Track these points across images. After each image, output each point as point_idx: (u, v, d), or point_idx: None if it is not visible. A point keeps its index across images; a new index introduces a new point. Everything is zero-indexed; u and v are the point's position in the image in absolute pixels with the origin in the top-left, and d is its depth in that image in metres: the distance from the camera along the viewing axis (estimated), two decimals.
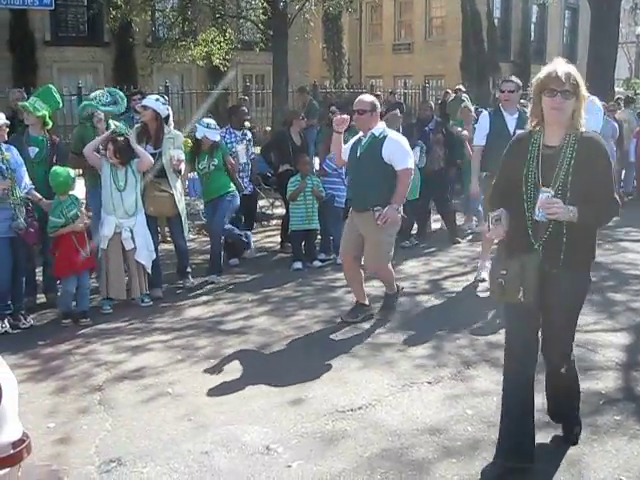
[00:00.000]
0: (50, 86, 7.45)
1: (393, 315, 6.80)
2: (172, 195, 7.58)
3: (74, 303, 6.91)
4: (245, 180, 9.11)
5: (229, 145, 8.90)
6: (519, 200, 3.76)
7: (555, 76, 3.59)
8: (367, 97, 6.65)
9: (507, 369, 3.96)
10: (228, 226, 8.35)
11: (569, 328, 3.93)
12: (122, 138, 7.17)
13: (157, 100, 7.68)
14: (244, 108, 9.79)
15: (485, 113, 8.13)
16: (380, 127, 6.48)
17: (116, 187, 7.08)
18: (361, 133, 6.57)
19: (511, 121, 7.51)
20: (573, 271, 3.75)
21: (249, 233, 8.91)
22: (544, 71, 3.67)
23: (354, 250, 6.62)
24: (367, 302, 6.85)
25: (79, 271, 6.81)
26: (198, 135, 8.26)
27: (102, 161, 7.13)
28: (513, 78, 7.82)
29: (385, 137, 6.39)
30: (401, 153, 6.41)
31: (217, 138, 8.21)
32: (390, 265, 6.73)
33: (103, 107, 7.51)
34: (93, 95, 7.78)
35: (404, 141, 6.54)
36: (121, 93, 7.97)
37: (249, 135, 9.51)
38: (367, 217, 6.38)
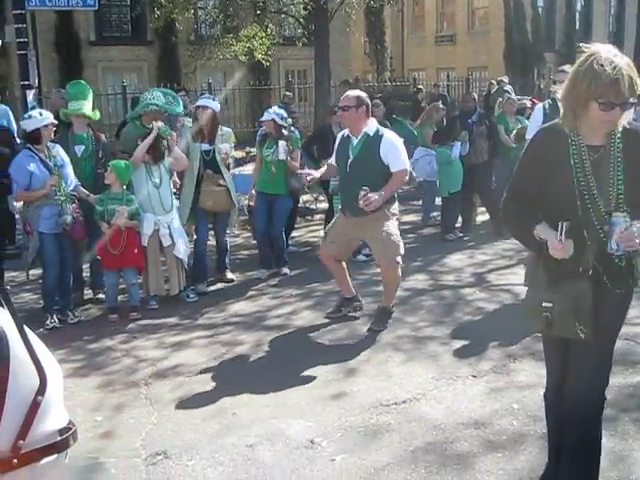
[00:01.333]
0: (78, 81, 7.60)
1: (384, 328, 6.33)
2: (228, 189, 7.71)
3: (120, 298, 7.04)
4: None
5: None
6: (567, 215, 3.06)
7: (617, 87, 2.88)
8: (353, 92, 6.39)
9: (546, 395, 3.64)
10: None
11: (607, 359, 3.31)
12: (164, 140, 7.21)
13: (214, 100, 7.93)
14: (292, 105, 9.79)
15: (540, 106, 7.97)
16: (373, 126, 6.21)
17: (152, 184, 7.11)
18: (346, 131, 6.34)
19: None
20: (622, 288, 3.19)
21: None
22: (598, 72, 2.91)
23: (337, 252, 6.51)
24: (352, 294, 6.74)
25: (123, 265, 6.94)
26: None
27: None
28: (567, 67, 7.59)
29: (381, 136, 6.13)
30: (398, 153, 6.15)
31: (267, 118, 8.19)
32: (400, 271, 6.37)
33: (167, 106, 7.63)
34: (150, 95, 7.83)
35: (399, 141, 6.31)
36: (173, 93, 8.09)
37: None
38: (365, 221, 6.11)
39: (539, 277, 3.23)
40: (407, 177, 6.40)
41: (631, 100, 2.93)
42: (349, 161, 6.20)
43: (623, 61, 2.93)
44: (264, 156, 8.16)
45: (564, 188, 3.08)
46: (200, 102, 7.93)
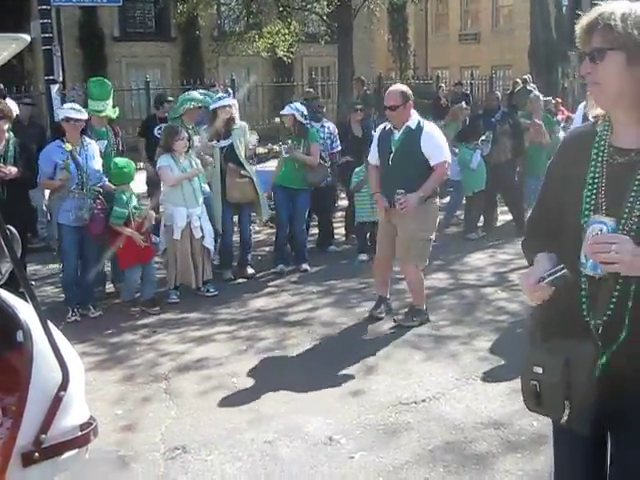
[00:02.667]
0: (101, 80, 7.74)
1: (412, 325, 6.26)
2: (252, 180, 7.83)
3: (138, 294, 7.08)
4: None
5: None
6: (571, 240, 2.17)
7: (589, 31, 2.09)
8: (395, 88, 6.30)
9: None
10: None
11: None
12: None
13: (227, 96, 8.20)
14: (319, 100, 9.84)
15: (581, 105, 7.87)
16: (415, 119, 6.15)
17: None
18: (384, 125, 6.34)
19: None
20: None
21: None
22: (581, 20, 2.13)
23: (391, 250, 6.37)
24: (387, 295, 6.68)
25: (145, 261, 6.98)
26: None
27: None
28: None
29: (422, 129, 6.08)
30: (438, 146, 6.11)
31: (287, 112, 8.20)
32: (421, 274, 6.32)
33: (204, 98, 7.96)
34: (187, 95, 8.19)
35: (440, 133, 6.32)
36: (205, 91, 8.53)
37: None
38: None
39: (535, 328, 2.34)
40: (448, 170, 6.30)
41: (600, 46, 2.06)
42: (391, 155, 6.17)
43: (623, 8, 2.04)
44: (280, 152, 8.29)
45: (574, 199, 2.19)
46: (219, 103, 7.88)
